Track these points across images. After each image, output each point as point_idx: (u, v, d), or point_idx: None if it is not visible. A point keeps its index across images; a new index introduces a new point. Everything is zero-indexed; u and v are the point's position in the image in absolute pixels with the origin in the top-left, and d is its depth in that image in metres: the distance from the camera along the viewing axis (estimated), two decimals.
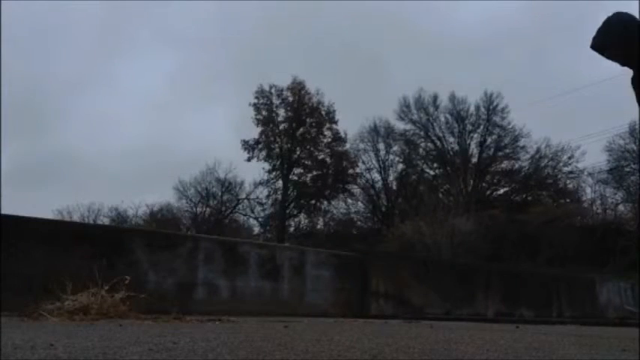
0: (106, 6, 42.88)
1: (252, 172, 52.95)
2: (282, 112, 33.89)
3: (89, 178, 42.69)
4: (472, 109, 32.72)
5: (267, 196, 33.51)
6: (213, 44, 45.77)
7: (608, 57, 2.58)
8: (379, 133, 34.39)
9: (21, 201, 34.08)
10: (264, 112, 33.42)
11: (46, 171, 42.75)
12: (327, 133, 34.41)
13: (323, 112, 34.05)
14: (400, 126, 34.08)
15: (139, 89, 45.97)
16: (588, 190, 31.63)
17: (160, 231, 12.08)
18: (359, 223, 35.33)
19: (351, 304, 5.73)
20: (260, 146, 33.20)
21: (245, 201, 33.53)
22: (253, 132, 33.35)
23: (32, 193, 39.25)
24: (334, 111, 33.97)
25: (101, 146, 44.25)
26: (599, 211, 30.68)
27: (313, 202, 34.05)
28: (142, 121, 47.17)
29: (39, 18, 42.11)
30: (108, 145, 44.89)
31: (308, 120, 33.78)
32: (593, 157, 35.61)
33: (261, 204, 33.63)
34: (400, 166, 34.59)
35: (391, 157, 34.57)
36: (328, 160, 34.13)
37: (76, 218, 29.90)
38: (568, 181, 32.43)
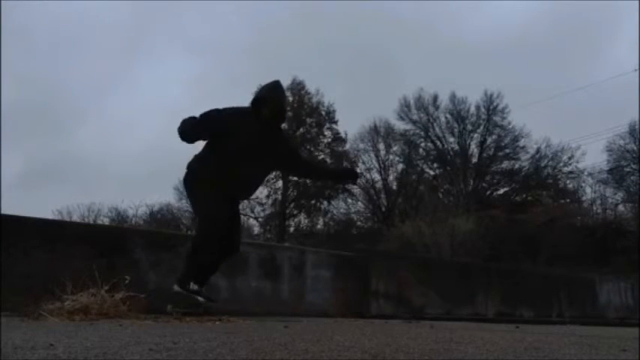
0: (124, 9, 43.08)
1: None
2: None
3: (92, 179, 42.85)
4: (472, 109, 32.75)
5: (267, 196, 33.51)
6: (218, 46, 45.79)
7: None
8: (379, 133, 34.41)
9: (21, 201, 34.17)
10: None
11: (52, 172, 42.95)
12: (327, 133, 34.42)
13: (323, 112, 34.06)
14: (400, 126, 34.11)
15: (153, 93, 46.21)
16: (588, 190, 31.67)
17: (160, 231, 12.06)
18: (359, 223, 35.34)
19: (351, 304, 5.73)
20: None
21: (245, 201, 33.49)
22: None
23: (33, 193, 39.36)
24: (334, 111, 33.99)
25: (110, 149, 44.45)
26: (599, 211, 30.71)
27: (313, 202, 34.04)
28: (151, 123, 47.45)
29: (59, 21, 42.34)
30: (117, 148, 45.10)
31: (308, 120, 33.77)
32: (593, 157, 35.62)
33: (261, 204, 33.62)
34: (400, 166, 34.61)
35: (391, 157, 34.59)
36: (328, 160, 34.13)
37: (76, 218, 29.92)
38: (568, 181, 32.45)
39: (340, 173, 4.18)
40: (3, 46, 40.45)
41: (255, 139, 3.67)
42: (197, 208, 3.78)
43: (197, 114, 3.63)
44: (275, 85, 3.87)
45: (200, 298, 3.42)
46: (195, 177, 3.69)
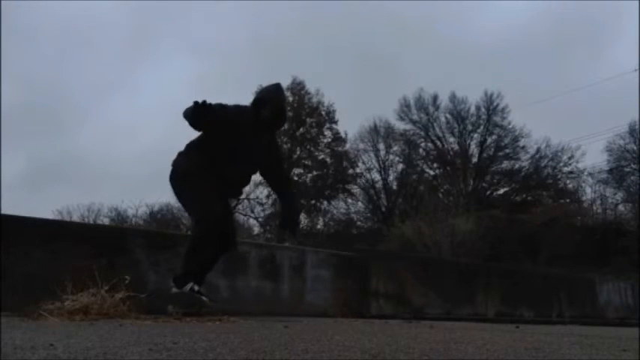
0: (126, 10, 43.13)
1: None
2: None
3: (94, 179, 42.90)
4: (472, 109, 32.76)
5: (267, 196, 33.49)
6: (220, 47, 45.81)
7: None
8: (379, 133, 34.41)
9: (24, 202, 34.21)
10: None
11: (54, 173, 43.05)
12: (327, 133, 34.42)
13: (323, 112, 34.06)
14: (400, 126, 34.13)
15: (155, 93, 46.30)
16: (588, 190, 31.68)
17: (160, 231, 12.06)
18: (359, 223, 35.33)
19: (351, 304, 5.73)
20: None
21: (245, 201, 33.49)
22: None
23: (36, 194, 39.42)
24: (334, 111, 34.00)
25: (112, 149, 44.53)
26: (599, 211, 30.71)
27: (313, 202, 34.03)
28: (152, 124, 47.57)
29: (62, 22, 42.40)
30: (118, 149, 45.18)
31: (308, 120, 33.77)
32: (593, 157, 35.64)
33: (261, 204, 33.61)
34: (400, 166, 34.60)
35: (391, 157, 34.59)
36: (328, 160, 34.11)
37: (75, 218, 29.91)
38: (568, 181, 32.46)
39: (287, 218, 4.05)
40: (7, 46, 40.61)
41: (250, 140, 3.64)
42: (191, 206, 3.70)
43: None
44: (276, 88, 3.86)
45: (204, 298, 3.41)
46: (183, 174, 3.63)
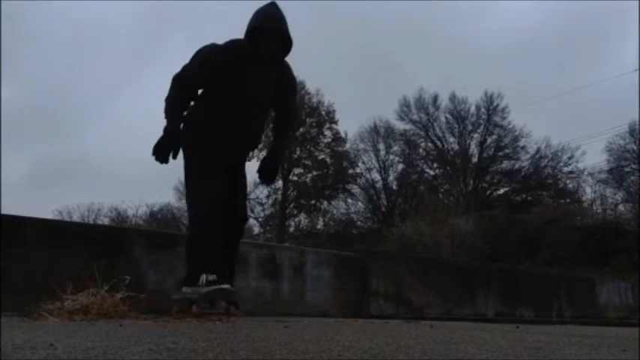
0: (132, 11, 43.16)
1: (252, 172, 53.13)
2: None
3: (96, 180, 42.96)
4: (472, 109, 32.80)
5: (267, 196, 33.52)
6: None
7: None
8: (379, 133, 34.44)
9: (26, 202, 34.25)
10: None
11: (57, 174, 43.15)
12: (327, 133, 34.44)
13: (323, 112, 34.08)
14: (400, 126, 34.17)
15: (158, 94, 46.30)
16: (588, 190, 31.68)
17: (160, 231, 12.06)
18: (359, 223, 35.35)
19: (351, 304, 5.73)
20: (260, 146, 33.17)
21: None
22: None
23: (34, 194, 39.47)
24: (334, 111, 34.03)
25: (114, 150, 44.66)
26: (599, 211, 30.68)
27: (313, 202, 34.05)
28: (154, 125, 47.64)
29: (66, 23, 42.44)
30: (120, 149, 45.29)
31: (308, 120, 33.79)
32: (593, 157, 35.66)
33: (261, 204, 33.63)
34: (400, 166, 34.63)
35: (391, 157, 34.62)
36: (328, 160, 34.13)
37: (75, 218, 29.95)
38: (568, 181, 32.47)
39: (265, 168, 3.68)
40: (13, 48, 40.69)
41: (252, 80, 3.25)
42: (191, 190, 3.38)
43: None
44: (271, 7, 3.28)
45: (225, 286, 3.16)
46: (199, 131, 3.28)
